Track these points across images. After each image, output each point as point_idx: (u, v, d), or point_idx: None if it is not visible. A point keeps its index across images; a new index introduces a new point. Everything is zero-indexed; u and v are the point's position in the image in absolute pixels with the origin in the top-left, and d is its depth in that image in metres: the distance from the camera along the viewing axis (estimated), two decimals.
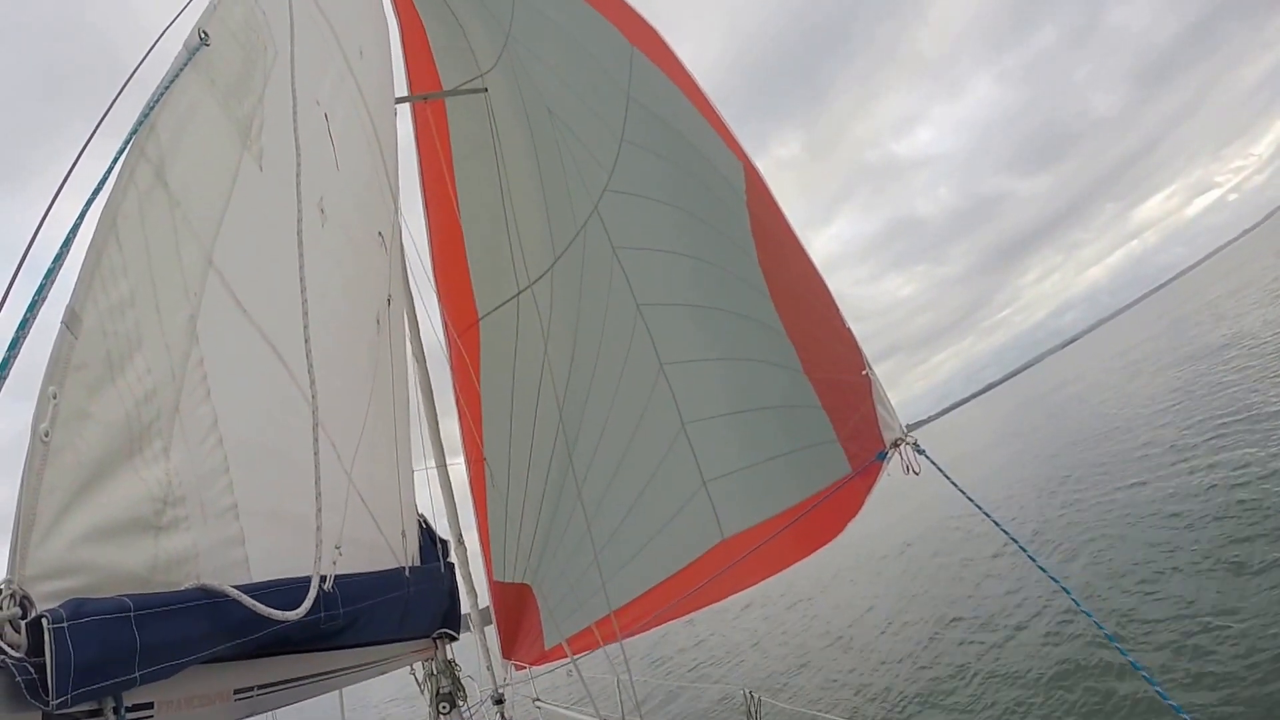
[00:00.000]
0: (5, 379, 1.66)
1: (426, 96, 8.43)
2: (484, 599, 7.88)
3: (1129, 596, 11.49)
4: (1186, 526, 12.86)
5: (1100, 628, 4.04)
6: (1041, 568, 4.13)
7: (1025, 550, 4.29)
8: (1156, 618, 10.40)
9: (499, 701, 7.40)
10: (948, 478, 4.59)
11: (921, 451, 5.02)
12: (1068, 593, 4.10)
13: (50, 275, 1.82)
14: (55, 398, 1.82)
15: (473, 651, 7.61)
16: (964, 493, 4.47)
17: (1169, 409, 24.48)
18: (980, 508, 4.43)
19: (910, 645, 14.36)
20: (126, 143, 2.31)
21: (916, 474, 5.01)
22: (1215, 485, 13.97)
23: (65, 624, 1.59)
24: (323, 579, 2.55)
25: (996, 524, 4.37)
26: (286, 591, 2.39)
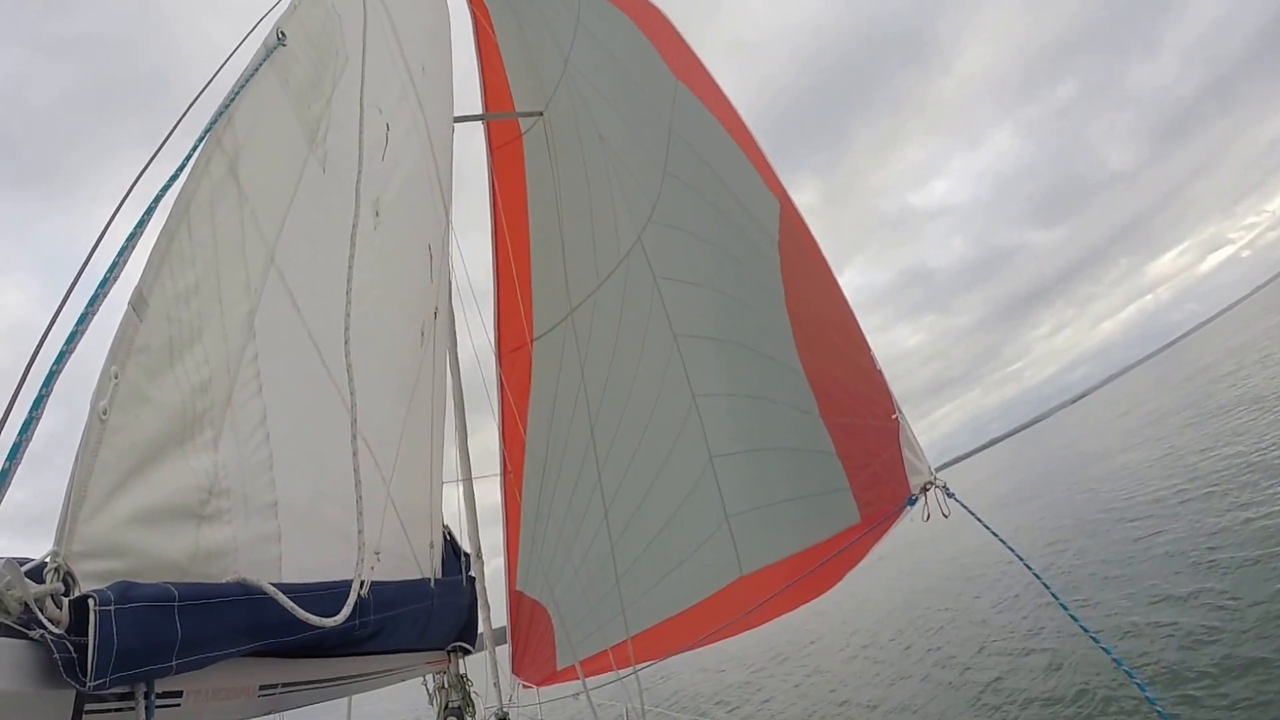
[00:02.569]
0: (69, 355, 1.67)
1: (482, 117, 8.54)
2: (497, 618, 7.86)
3: (1167, 651, 11.23)
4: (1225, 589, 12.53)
5: (1131, 676, 3.98)
6: (1073, 616, 4.07)
7: (1057, 597, 4.23)
8: (1194, 672, 10.17)
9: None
10: (979, 520, 4.55)
11: (951, 495, 4.97)
12: (1096, 640, 4.04)
13: (123, 253, 1.84)
14: (116, 377, 1.82)
15: (483, 668, 7.57)
16: (995, 534, 4.43)
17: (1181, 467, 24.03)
18: (1012, 549, 4.38)
19: (936, 692, 14.16)
20: (205, 133, 2.34)
21: (945, 517, 4.95)
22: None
23: (112, 607, 1.57)
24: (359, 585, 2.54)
25: (1028, 566, 4.32)
26: (323, 596, 2.38)
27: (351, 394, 2.60)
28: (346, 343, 2.73)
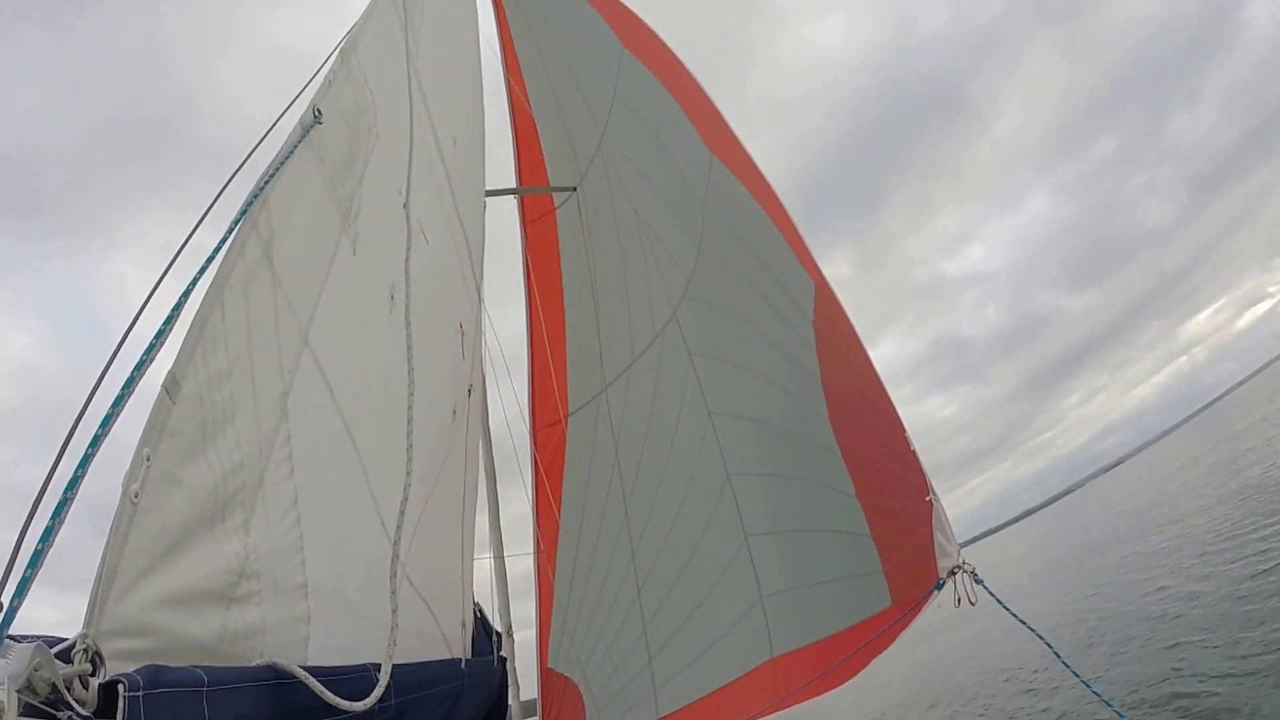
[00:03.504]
0: (104, 439, 1.68)
1: (514, 191, 8.61)
2: (527, 691, 7.75)
3: None
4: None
5: None
6: (1108, 702, 4.00)
7: (1096, 692, 4.15)
8: None
9: None
10: (1007, 609, 4.48)
11: (980, 581, 4.91)
12: None
13: (160, 336, 1.86)
14: (149, 460, 1.83)
15: None
16: (1026, 624, 4.36)
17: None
18: (1045, 640, 4.30)
19: None
20: (241, 215, 2.37)
21: (973, 604, 4.89)
22: None
23: (141, 692, 1.56)
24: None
25: (1059, 657, 4.24)
26: (351, 679, 2.36)
27: (406, 490, 2.59)
28: (409, 434, 2.72)
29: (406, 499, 2.60)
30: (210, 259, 2.19)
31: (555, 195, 8.39)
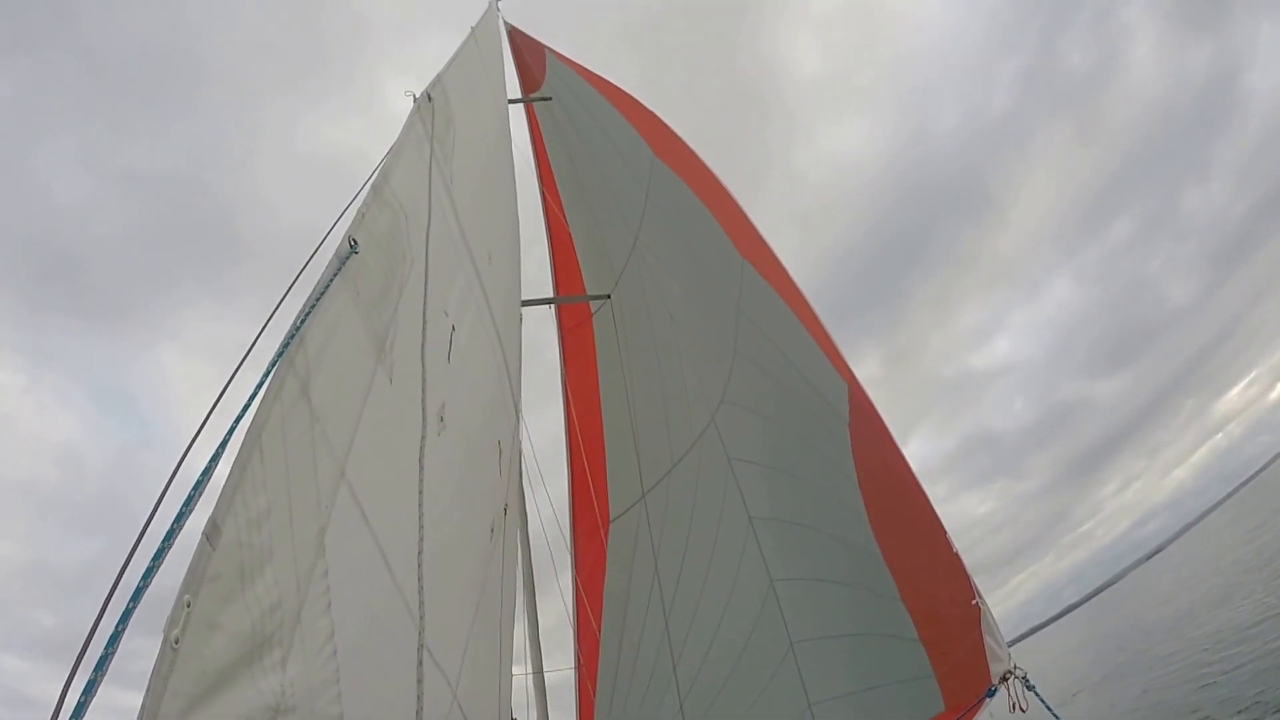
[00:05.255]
0: (145, 590, 1.73)
1: (549, 301, 8.71)
2: None
3: None
4: None
5: None
6: None
7: None
8: None
9: None
10: (1055, 715, 4.41)
11: (1031, 687, 4.85)
12: None
13: (199, 487, 1.91)
14: (189, 606, 1.85)
15: None
16: None
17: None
18: None
19: None
20: (279, 355, 2.43)
21: (1023, 711, 4.83)
22: None
23: None
24: None
25: None
26: None
27: (421, 617, 2.60)
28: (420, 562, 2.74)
29: (423, 631, 2.61)
30: (249, 402, 2.25)
31: (591, 302, 8.48)
